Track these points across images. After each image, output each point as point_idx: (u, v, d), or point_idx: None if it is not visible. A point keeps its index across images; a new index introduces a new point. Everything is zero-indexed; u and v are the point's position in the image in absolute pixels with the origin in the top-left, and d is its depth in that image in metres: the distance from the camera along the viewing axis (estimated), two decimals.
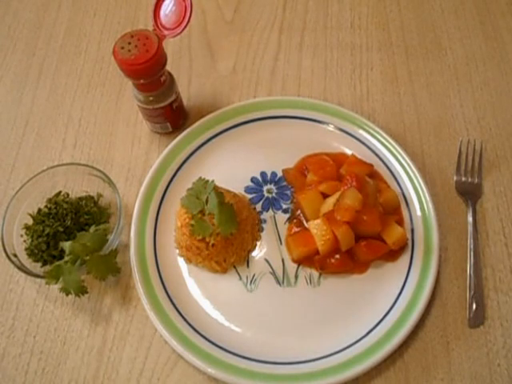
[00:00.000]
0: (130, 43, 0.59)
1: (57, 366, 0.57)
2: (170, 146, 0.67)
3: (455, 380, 0.55)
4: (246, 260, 0.62)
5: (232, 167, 0.68)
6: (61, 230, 0.60)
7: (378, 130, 0.67)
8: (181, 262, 0.62)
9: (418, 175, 0.64)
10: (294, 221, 0.63)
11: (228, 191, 0.62)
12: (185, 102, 0.74)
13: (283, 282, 0.60)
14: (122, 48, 0.59)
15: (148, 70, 0.60)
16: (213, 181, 0.59)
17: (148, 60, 0.59)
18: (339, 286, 0.60)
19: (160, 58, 0.60)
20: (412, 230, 0.62)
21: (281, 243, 0.63)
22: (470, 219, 0.63)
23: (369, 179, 0.62)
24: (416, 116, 0.72)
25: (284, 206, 0.65)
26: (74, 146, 0.72)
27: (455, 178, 0.66)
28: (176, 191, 0.65)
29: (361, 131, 0.68)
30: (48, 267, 0.58)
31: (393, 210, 0.63)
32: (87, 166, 0.65)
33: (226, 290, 0.60)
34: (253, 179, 0.67)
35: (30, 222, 0.62)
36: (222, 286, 0.61)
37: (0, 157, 0.71)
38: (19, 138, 0.73)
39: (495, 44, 0.78)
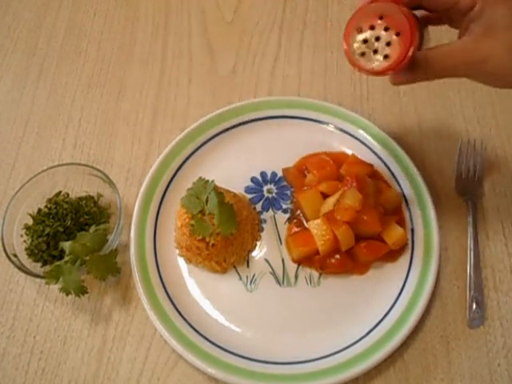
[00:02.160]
0: (372, 34, 0.46)
1: (57, 366, 0.57)
2: (169, 146, 0.67)
3: (455, 380, 0.55)
4: (246, 260, 0.62)
5: (232, 167, 0.68)
6: (61, 230, 0.60)
7: (377, 130, 0.67)
8: (181, 262, 0.62)
9: (417, 175, 0.64)
10: (294, 221, 0.63)
11: (228, 191, 0.62)
12: (185, 102, 0.74)
13: (283, 282, 0.60)
14: (363, 54, 0.47)
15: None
16: (213, 181, 0.59)
17: (387, 70, 0.47)
18: (339, 285, 0.60)
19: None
20: (412, 230, 0.62)
21: (281, 243, 0.63)
22: (470, 219, 0.63)
23: (369, 179, 0.62)
24: (416, 116, 0.72)
25: (284, 206, 0.65)
26: (74, 146, 0.72)
27: (455, 178, 0.66)
28: (176, 191, 0.65)
29: (361, 131, 0.68)
30: (48, 267, 0.58)
31: (394, 210, 0.63)
32: (87, 166, 0.65)
33: (226, 289, 0.60)
34: (253, 179, 0.67)
35: (30, 222, 0.62)
36: (222, 286, 0.60)
37: (0, 157, 0.71)
38: (19, 138, 0.73)
39: None
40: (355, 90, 0.74)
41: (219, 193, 0.59)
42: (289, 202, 0.65)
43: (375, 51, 0.47)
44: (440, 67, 0.46)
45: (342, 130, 0.69)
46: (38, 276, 0.58)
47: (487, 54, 0.45)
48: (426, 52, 0.47)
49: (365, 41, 0.47)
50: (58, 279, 0.57)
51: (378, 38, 0.47)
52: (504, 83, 0.48)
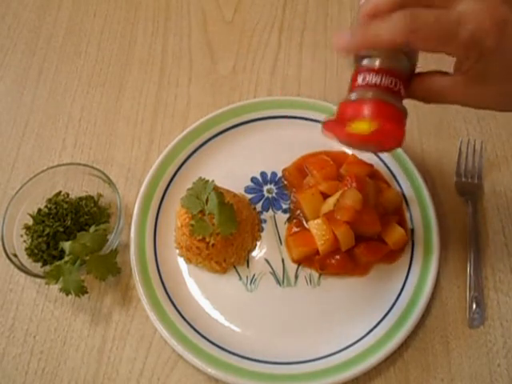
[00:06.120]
0: None
1: (57, 366, 0.57)
2: (169, 146, 0.67)
3: (455, 380, 0.55)
4: (246, 260, 0.62)
5: (232, 167, 0.68)
6: (61, 230, 0.60)
7: None
8: (181, 262, 0.62)
9: (418, 175, 0.64)
10: (294, 221, 0.63)
11: (228, 191, 0.62)
12: (185, 101, 0.74)
13: (283, 282, 0.60)
14: None
15: None
16: (213, 181, 0.59)
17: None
18: (339, 285, 0.60)
19: None
20: (412, 230, 0.62)
21: (281, 243, 0.63)
22: (470, 219, 0.63)
23: (369, 179, 0.62)
24: (416, 116, 0.72)
25: (284, 206, 0.65)
26: (74, 146, 0.72)
27: (455, 178, 0.66)
28: (176, 191, 0.65)
29: None
30: (48, 267, 0.58)
31: (394, 210, 0.63)
32: (87, 165, 0.65)
33: (226, 289, 0.60)
34: (253, 179, 0.67)
35: (30, 222, 0.62)
36: (222, 286, 0.60)
37: (0, 157, 0.71)
38: (19, 137, 0.73)
39: None
40: None
41: (219, 193, 0.59)
42: (289, 201, 0.65)
43: None
44: (429, 100, 0.50)
45: None
46: (38, 276, 0.58)
47: (478, 101, 0.46)
48: (416, 86, 0.49)
49: None
50: (58, 279, 0.57)
51: None
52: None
